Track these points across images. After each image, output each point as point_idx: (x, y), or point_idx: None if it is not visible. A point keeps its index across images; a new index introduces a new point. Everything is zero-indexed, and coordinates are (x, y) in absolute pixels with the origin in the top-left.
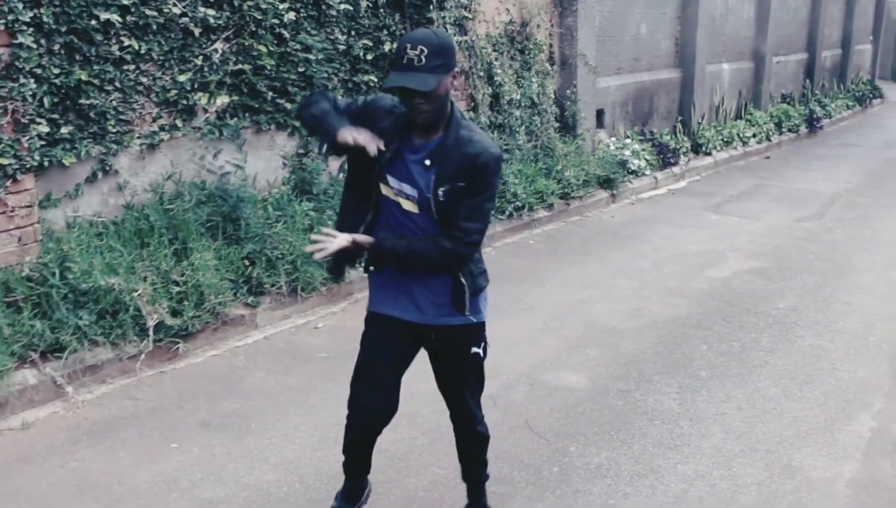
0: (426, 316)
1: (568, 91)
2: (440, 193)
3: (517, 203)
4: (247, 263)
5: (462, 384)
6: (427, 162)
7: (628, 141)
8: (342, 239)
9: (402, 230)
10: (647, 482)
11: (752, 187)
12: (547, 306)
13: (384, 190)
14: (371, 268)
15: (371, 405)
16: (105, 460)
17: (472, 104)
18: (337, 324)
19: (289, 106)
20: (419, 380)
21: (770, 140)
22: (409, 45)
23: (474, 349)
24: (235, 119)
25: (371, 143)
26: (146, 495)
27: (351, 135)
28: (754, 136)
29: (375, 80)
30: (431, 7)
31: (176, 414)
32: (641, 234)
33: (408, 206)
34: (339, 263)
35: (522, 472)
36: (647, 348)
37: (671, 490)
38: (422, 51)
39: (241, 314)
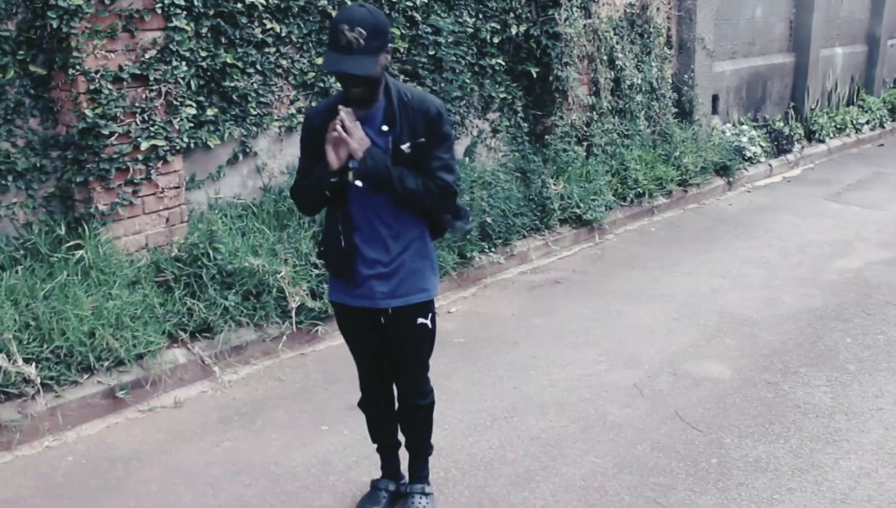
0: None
1: (685, 76)
2: (405, 148)
3: (638, 189)
4: None
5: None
6: (384, 128)
7: (744, 127)
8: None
9: (363, 208)
10: (809, 477)
11: (869, 176)
12: (678, 294)
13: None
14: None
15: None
16: (258, 440)
17: (595, 88)
18: (469, 309)
19: (421, 89)
20: (561, 368)
21: (883, 127)
22: (346, 26)
23: (421, 320)
24: None
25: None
26: (303, 477)
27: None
28: (867, 122)
29: (503, 63)
30: None
31: (322, 396)
32: (763, 222)
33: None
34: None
35: (680, 463)
36: (787, 339)
37: (837, 486)
38: (360, 33)
39: None
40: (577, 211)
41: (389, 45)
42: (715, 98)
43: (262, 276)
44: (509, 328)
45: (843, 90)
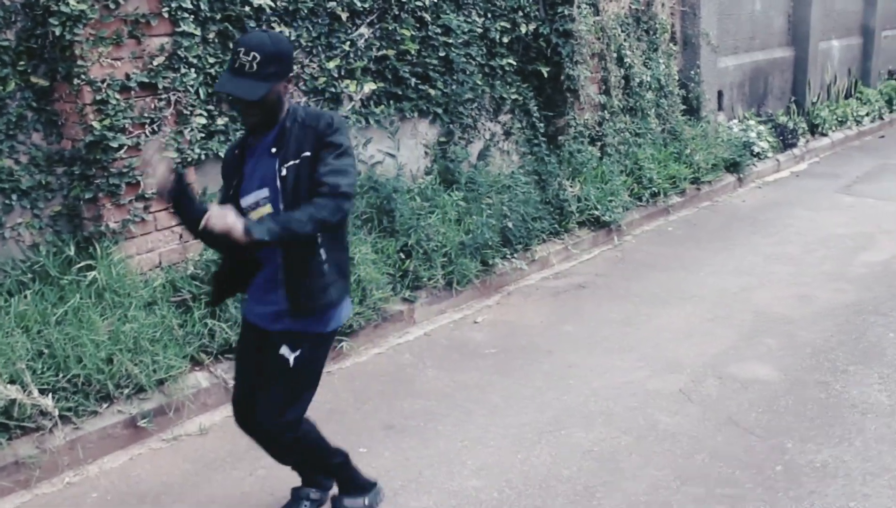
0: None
1: (691, 72)
2: (283, 171)
3: (653, 189)
4: (402, 256)
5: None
6: (273, 150)
7: (751, 123)
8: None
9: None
10: (882, 481)
11: (875, 168)
12: (708, 295)
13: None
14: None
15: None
16: None
17: (605, 87)
18: (495, 318)
19: (431, 92)
20: (601, 376)
21: (882, 118)
22: (242, 50)
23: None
24: (381, 107)
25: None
26: None
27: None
28: (867, 114)
29: (514, 63)
30: None
31: (354, 416)
32: (780, 218)
33: (265, 212)
34: (221, 291)
35: (745, 472)
36: (828, 336)
37: None
38: (254, 57)
39: (400, 310)
40: (595, 213)
41: (291, 73)
42: (719, 94)
43: None
44: (540, 336)
45: (841, 83)
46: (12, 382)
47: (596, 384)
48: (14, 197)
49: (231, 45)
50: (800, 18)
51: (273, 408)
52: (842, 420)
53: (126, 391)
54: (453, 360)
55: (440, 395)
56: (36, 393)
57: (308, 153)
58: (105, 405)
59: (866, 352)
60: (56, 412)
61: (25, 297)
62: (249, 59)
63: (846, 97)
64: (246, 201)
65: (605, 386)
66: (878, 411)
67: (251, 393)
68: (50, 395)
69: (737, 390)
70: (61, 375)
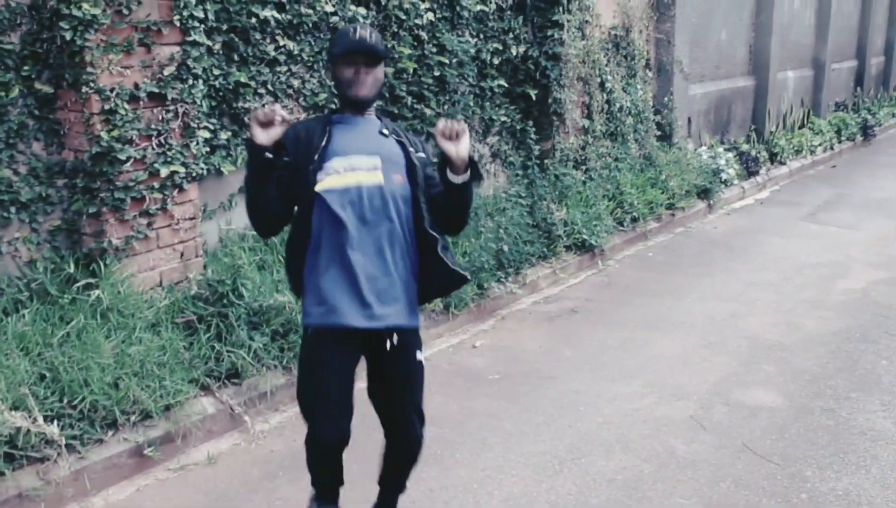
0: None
1: (665, 99)
2: (429, 171)
3: (633, 214)
4: None
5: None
6: (385, 131)
7: (720, 150)
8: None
9: (370, 225)
10: None
11: (833, 197)
12: (697, 321)
13: (328, 183)
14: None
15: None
16: None
17: (587, 111)
18: (493, 343)
19: (427, 112)
20: (609, 403)
21: (833, 149)
22: (358, 27)
23: (420, 356)
24: None
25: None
26: None
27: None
28: (820, 144)
29: (505, 84)
30: (559, 9)
31: (368, 445)
32: (753, 245)
33: (374, 179)
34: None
35: (771, 501)
36: (824, 363)
37: None
38: (371, 32)
39: None
40: (582, 237)
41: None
42: (688, 121)
43: (290, 314)
44: (541, 362)
45: (796, 113)
46: (16, 408)
47: (606, 411)
48: (12, 210)
49: (339, 33)
50: (760, 48)
51: (420, 417)
52: (854, 448)
53: (132, 417)
54: (458, 386)
55: (452, 422)
56: (41, 420)
57: (432, 159)
58: (111, 433)
59: (864, 379)
60: (63, 441)
61: (23, 317)
62: (368, 32)
63: (800, 127)
64: (345, 162)
65: (615, 413)
66: (887, 438)
67: (348, 419)
68: (55, 422)
69: (746, 417)
70: (66, 401)
